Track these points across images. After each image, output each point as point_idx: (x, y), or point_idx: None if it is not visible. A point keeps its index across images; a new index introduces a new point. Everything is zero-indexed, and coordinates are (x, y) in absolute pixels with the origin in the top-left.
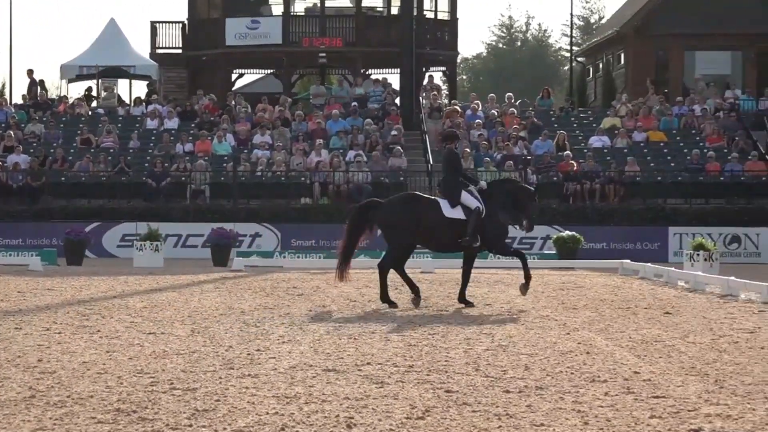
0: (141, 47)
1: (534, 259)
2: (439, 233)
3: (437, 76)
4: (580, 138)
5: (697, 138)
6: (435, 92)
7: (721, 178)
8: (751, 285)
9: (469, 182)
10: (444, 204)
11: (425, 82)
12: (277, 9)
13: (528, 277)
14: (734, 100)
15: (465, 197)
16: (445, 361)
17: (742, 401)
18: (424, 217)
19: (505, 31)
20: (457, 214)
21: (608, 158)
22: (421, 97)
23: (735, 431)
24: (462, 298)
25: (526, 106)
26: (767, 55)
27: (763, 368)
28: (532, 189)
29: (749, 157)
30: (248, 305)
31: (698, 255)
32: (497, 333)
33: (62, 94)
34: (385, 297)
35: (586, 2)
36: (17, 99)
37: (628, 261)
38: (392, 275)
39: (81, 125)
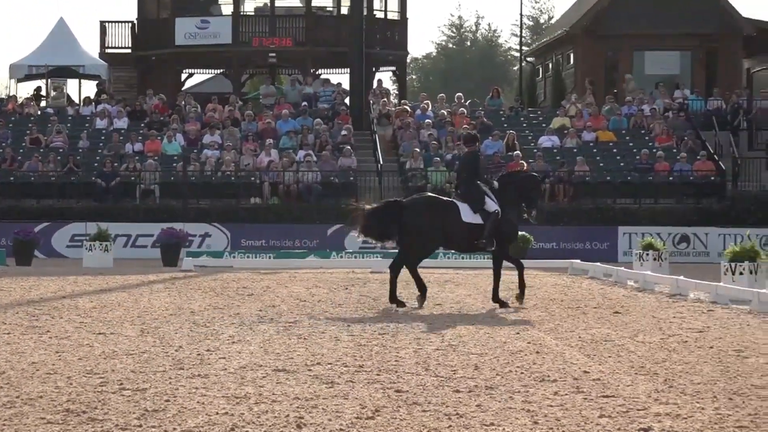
0: (90, 47)
1: (484, 259)
2: (458, 237)
3: (387, 76)
4: (530, 138)
5: (647, 138)
6: (385, 98)
7: (671, 178)
8: (700, 284)
9: (485, 184)
10: (463, 208)
11: (374, 86)
12: (227, 9)
13: (522, 286)
14: (683, 100)
15: (486, 202)
16: (395, 361)
17: (692, 400)
18: (445, 222)
19: (454, 31)
20: (476, 218)
21: (558, 158)
22: (370, 101)
23: (684, 430)
24: (495, 298)
25: (475, 106)
26: (716, 56)
27: (712, 367)
28: (537, 176)
29: (698, 157)
30: (198, 305)
31: (647, 254)
32: (447, 333)
33: (11, 94)
34: (393, 298)
35: (536, 2)
36: None
37: (578, 261)
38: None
39: (30, 125)
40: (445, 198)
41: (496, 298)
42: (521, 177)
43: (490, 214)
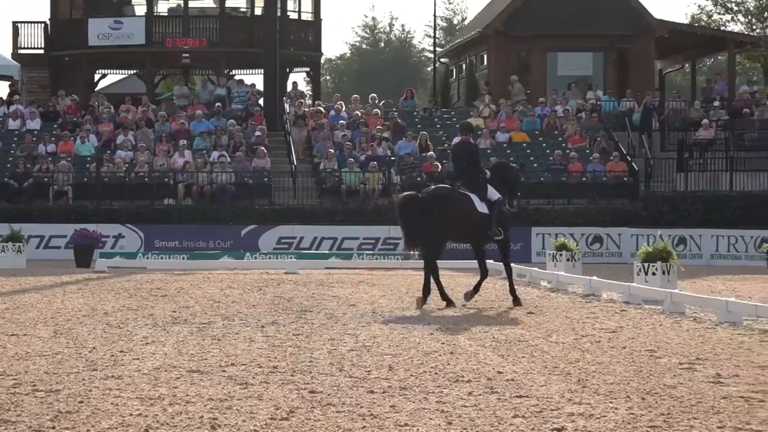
0: (2, 47)
1: (398, 259)
2: (472, 229)
3: (300, 77)
4: (444, 139)
5: (560, 139)
6: (300, 100)
7: (584, 179)
8: (613, 285)
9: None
10: (475, 199)
11: (289, 89)
12: (140, 9)
13: (477, 289)
14: (596, 101)
15: (489, 190)
16: (310, 361)
17: (605, 400)
18: (464, 214)
19: (368, 31)
20: (484, 208)
21: None
22: (285, 104)
23: (597, 430)
24: (513, 291)
25: (389, 106)
26: (628, 56)
27: (625, 367)
28: (515, 166)
29: (611, 158)
30: (111, 306)
31: (561, 255)
32: (361, 333)
33: None
34: (444, 296)
35: (450, 3)
36: None
37: (491, 261)
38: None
39: None
40: (457, 190)
41: (513, 291)
42: (504, 166)
43: (493, 203)
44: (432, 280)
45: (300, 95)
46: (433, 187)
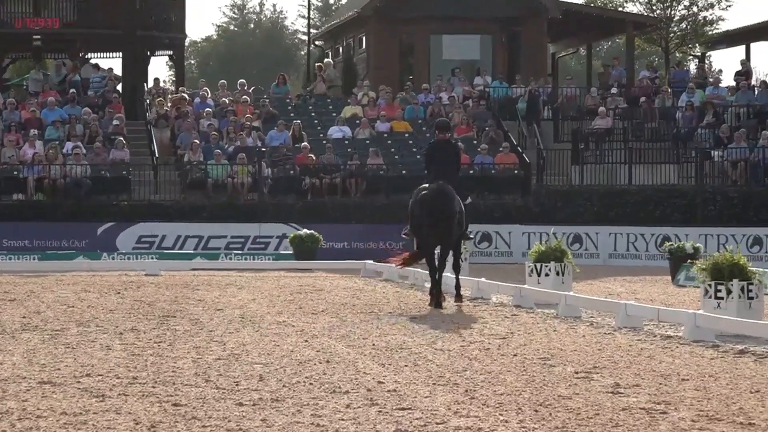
0: None
1: (269, 260)
2: (457, 227)
3: (163, 61)
4: (319, 128)
5: None
6: (161, 98)
7: (471, 172)
8: (503, 287)
9: None
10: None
11: (151, 84)
12: None
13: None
14: (484, 88)
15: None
16: (173, 371)
17: (494, 412)
18: (460, 211)
19: (237, 12)
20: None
21: (349, 150)
22: (146, 101)
23: None
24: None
25: (260, 93)
26: (519, 40)
27: (516, 377)
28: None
29: (500, 149)
30: None
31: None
32: (229, 341)
33: None
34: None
35: None
36: None
37: (371, 261)
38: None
39: None
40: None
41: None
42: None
43: (464, 202)
44: (432, 276)
45: (162, 93)
46: (433, 184)
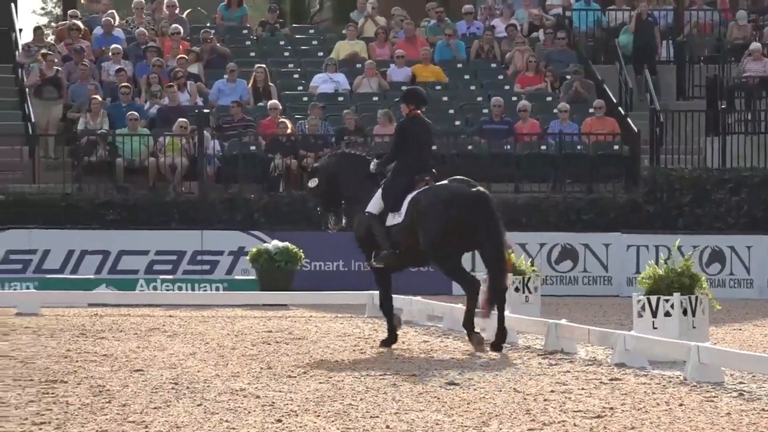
0: None
1: (218, 289)
2: None
3: None
4: (297, 77)
5: (500, 77)
6: (42, 61)
7: (542, 148)
8: (596, 334)
9: None
10: None
11: (28, 38)
12: None
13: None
14: (563, 11)
15: None
16: None
17: None
18: None
19: None
20: None
21: (345, 112)
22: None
23: None
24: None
25: (201, 19)
26: None
27: None
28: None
29: (590, 111)
30: None
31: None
32: (154, 421)
33: None
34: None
35: None
36: None
37: (419, 298)
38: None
39: None
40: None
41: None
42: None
43: None
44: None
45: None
46: (453, 178)
